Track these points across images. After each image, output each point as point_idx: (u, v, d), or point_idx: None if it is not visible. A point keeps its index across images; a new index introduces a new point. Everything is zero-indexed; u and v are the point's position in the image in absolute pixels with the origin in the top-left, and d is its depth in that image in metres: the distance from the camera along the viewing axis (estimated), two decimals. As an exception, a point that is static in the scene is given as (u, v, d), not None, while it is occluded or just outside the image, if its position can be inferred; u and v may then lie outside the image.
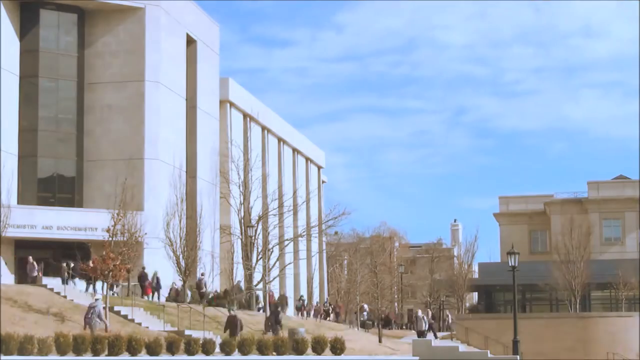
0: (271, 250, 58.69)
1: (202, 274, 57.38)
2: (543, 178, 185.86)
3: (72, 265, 50.33)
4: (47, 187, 61.52)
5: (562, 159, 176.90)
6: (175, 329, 42.55)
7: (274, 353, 36.76)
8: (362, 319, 69.20)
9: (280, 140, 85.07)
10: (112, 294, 45.42)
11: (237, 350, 36.73)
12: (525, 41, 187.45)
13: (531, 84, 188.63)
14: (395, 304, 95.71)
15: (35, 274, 50.18)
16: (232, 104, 74.19)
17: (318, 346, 38.10)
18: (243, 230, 61.90)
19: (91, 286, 49.65)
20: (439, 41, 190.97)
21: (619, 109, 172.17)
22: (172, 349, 35.43)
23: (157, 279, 54.93)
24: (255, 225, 59.84)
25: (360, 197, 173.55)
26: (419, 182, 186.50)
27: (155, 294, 54.80)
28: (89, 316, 36.79)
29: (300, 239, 74.46)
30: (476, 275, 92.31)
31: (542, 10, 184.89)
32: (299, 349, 37.49)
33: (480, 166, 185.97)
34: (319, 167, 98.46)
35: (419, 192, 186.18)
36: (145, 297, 53.13)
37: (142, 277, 54.14)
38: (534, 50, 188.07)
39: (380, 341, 53.66)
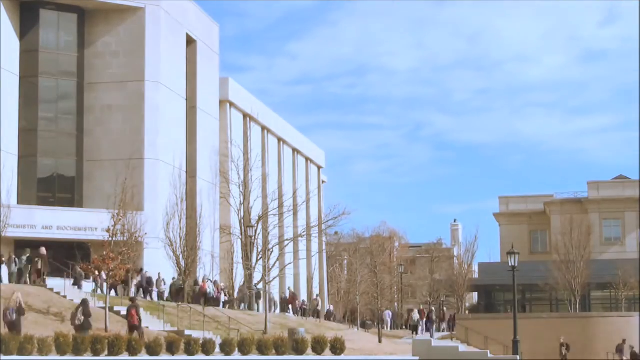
0: (271, 250, 58.69)
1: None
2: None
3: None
4: (47, 187, 61.51)
5: (523, 170, 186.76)
6: (175, 329, 42.55)
7: (273, 352, 36.77)
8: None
9: (280, 140, 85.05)
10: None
11: (237, 350, 36.73)
12: (464, 67, 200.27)
13: (479, 102, 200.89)
14: (396, 304, 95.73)
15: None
16: (232, 104, 74.17)
17: (318, 346, 38.09)
18: (243, 230, 61.93)
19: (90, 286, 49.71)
20: (387, 67, 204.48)
21: (565, 125, 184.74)
22: (172, 349, 35.41)
23: (148, 279, 54.77)
24: (255, 225, 59.86)
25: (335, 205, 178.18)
26: (392, 190, 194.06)
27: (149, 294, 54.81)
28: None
29: (300, 239, 74.45)
30: (476, 275, 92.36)
31: (475, 40, 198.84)
32: (299, 349, 37.48)
33: (449, 174, 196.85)
34: (319, 167, 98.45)
35: (392, 199, 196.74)
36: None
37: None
38: (474, 74, 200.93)
39: (380, 341, 53.68)
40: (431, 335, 56.52)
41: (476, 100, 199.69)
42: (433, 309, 66.46)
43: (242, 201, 63.50)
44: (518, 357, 47.48)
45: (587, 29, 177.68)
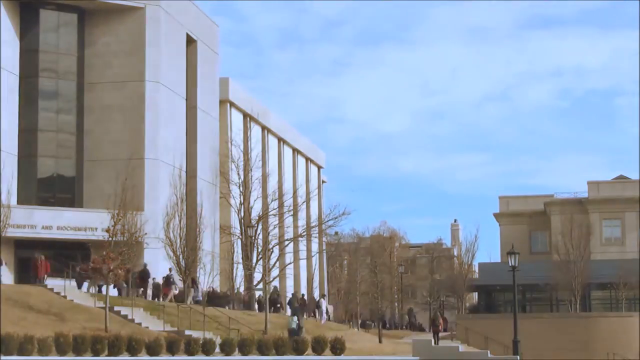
0: (271, 250, 58.68)
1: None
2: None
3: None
4: (47, 187, 61.48)
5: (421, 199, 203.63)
6: (175, 329, 42.53)
7: (274, 352, 36.79)
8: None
9: (280, 140, 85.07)
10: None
11: (237, 350, 36.75)
12: (328, 124, 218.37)
13: (357, 146, 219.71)
14: (396, 304, 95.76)
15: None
16: (232, 104, 74.17)
17: (318, 346, 38.13)
18: (243, 230, 61.90)
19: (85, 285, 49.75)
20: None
21: (442, 162, 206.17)
22: (172, 349, 35.44)
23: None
24: (255, 225, 59.84)
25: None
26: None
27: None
28: None
29: (300, 239, 74.42)
30: (476, 275, 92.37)
31: (331, 107, 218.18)
32: (299, 349, 37.52)
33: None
34: (319, 167, 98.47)
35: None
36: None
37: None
38: (341, 128, 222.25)
39: (380, 341, 53.70)
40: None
41: (354, 145, 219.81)
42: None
43: (242, 201, 63.47)
44: (518, 357, 47.49)
45: (413, 98, 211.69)
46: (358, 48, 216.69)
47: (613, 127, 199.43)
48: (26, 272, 52.79)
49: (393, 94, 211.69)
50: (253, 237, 58.83)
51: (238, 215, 63.85)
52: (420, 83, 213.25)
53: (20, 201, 57.68)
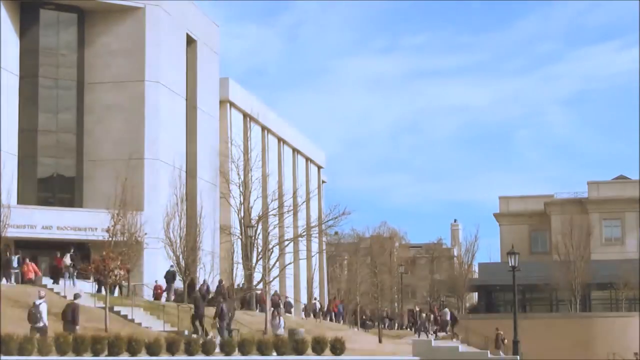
0: (271, 250, 58.68)
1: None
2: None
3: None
4: (47, 187, 61.47)
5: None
6: (175, 329, 42.54)
7: (274, 353, 36.78)
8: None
9: (280, 140, 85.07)
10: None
11: (237, 350, 36.74)
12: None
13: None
14: (396, 304, 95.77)
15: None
16: (232, 104, 74.16)
17: (318, 346, 38.09)
18: (243, 230, 61.90)
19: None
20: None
21: (375, 182, 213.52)
22: (172, 349, 35.40)
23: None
24: (255, 225, 59.83)
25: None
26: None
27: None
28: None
29: (300, 239, 74.40)
30: (476, 275, 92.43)
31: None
32: (299, 349, 37.49)
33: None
34: (319, 167, 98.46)
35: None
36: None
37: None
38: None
39: (380, 341, 53.71)
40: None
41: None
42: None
43: (242, 201, 63.48)
44: (518, 357, 47.49)
45: (334, 131, 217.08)
46: (277, 92, 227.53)
47: (514, 152, 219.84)
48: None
49: (316, 128, 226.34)
50: (253, 237, 58.81)
51: (238, 215, 63.86)
52: (338, 119, 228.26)
53: (20, 201, 57.66)
